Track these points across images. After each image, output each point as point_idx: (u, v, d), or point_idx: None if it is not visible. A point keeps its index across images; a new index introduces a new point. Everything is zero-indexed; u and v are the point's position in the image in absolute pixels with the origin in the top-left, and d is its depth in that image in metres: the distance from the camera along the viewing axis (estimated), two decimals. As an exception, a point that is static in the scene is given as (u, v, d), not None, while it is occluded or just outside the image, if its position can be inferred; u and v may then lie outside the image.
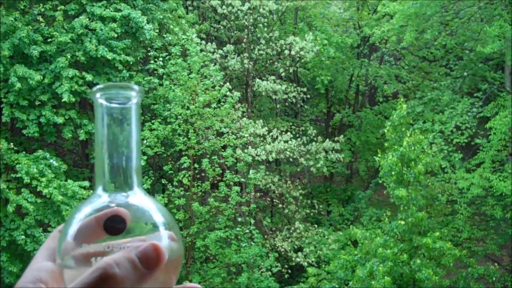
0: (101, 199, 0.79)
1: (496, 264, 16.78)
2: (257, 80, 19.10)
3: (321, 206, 20.52)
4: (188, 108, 15.25)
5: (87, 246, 0.75)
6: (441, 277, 12.78)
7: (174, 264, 0.77)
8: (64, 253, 0.75)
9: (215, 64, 16.89)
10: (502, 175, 15.92)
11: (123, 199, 0.79)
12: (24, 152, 14.23)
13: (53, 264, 0.78)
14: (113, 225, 0.76)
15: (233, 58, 18.92)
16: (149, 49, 16.32)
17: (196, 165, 15.27)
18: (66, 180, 13.92)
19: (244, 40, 19.84)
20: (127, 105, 0.80)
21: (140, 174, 0.82)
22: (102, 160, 0.79)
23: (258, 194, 18.59)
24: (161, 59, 15.62)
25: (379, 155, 13.70)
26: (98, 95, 0.79)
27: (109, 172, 0.79)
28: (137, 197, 0.80)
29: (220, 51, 18.34)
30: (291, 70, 20.61)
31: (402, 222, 12.26)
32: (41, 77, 13.85)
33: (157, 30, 16.09)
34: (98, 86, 0.79)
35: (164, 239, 0.77)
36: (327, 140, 19.19)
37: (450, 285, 14.02)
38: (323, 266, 15.75)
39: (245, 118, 17.39)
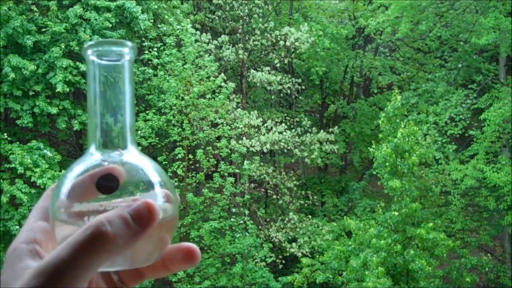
0: (94, 157, 0.78)
1: (489, 254, 16.90)
2: (252, 71, 19.07)
3: (315, 197, 20.55)
4: (182, 99, 15.23)
5: (80, 205, 0.74)
6: (434, 268, 12.85)
7: (169, 224, 0.77)
8: (57, 211, 0.74)
9: (209, 55, 16.85)
10: (495, 166, 15.98)
11: (117, 157, 0.78)
12: (18, 143, 14.20)
13: (47, 223, 0.77)
14: (106, 183, 0.74)
15: (228, 48, 18.87)
16: (143, 39, 16.26)
17: (190, 156, 15.27)
18: (60, 171, 13.91)
19: (239, 30, 19.78)
20: (119, 62, 0.78)
21: (134, 132, 0.81)
22: (95, 118, 0.78)
23: (252, 185, 18.60)
24: (155, 49, 15.57)
25: (373, 146, 13.73)
26: (89, 51, 0.77)
27: (101, 130, 0.78)
28: (132, 156, 0.79)
29: (215, 42, 18.29)
30: (286, 61, 20.57)
31: (396, 213, 12.31)
32: (35, 67, 13.80)
33: (152, 20, 16.03)
34: (89, 43, 0.77)
35: (159, 198, 0.76)
36: (322, 131, 19.18)
37: (443, 275, 14.09)
38: (317, 256, 15.81)
39: (239, 109, 17.37)
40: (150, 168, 0.78)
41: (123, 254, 0.72)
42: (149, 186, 0.77)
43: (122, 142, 0.79)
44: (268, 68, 19.41)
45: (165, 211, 0.75)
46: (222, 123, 15.86)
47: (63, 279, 0.65)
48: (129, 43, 0.78)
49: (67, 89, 14.06)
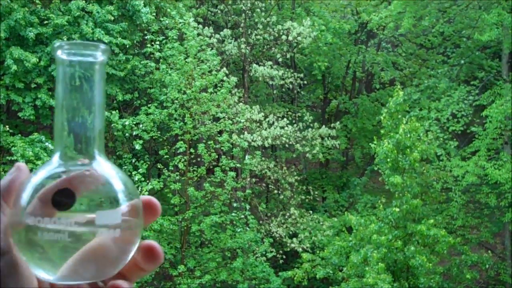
0: (57, 167, 0.75)
1: (489, 251, 16.89)
2: (254, 65, 19.03)
3: (316, 193, 20.56)
4: (184, 93, 15.22)
5: (34, 219, 0.72)
6: (434, 264, 12.86)
7: (130, 237, 0.76)
8: (16, 221, 0.73)
9: (212, 49, 16.81)
10: (497, 163, 15.97)
11: (81, 168, 0.75)
12: (19, 135, 14.19)
13: None
14: (61, 199, 0.72)
15: (230, 42, 18.84)
16: (145, 32, 16.22)
17: (192, 150, 15.26)
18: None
19: (241, 24, 19.74)
20: (91, 63, 0.76)
21: (103, 140, 0.78)
22: (61, 123, 0.75)
23: (253, 179, 18.61)
24: (157, 42, 15.54)
25: (375, 142, 13.70)
26: (59, 52, 0.75)
27: (68, 137, 0.75)
28: (98, 166, 0.76)
29: (217, 36, 18.25)
30: (288, 56, 20.53)
31: (397, 209, 12.30)
32: (37, 60, 13.78)
33: (154, 14, 15.99)
34: (61, 43, 0.75)
35: (117, 215, 0.74)
36: (323, 126, 19.19)
37: (443, 272, 14.10)
38: (318, 252, 15.82)
39: (241, 104, 17.35)
40: (114, 182, 0.76)
41: (86, 267, 0.73)
42: (110, 201, 0.75)
43: (89, 150, 0.76)
44: (270, 62, 19.38)
45: (120, 228, 0.74)
46: (223, 117, 15.85)
47: None
48: (102, 46, 0.76)
49: (69, 82, 14.02)
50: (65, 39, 14.02)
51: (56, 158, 0.76)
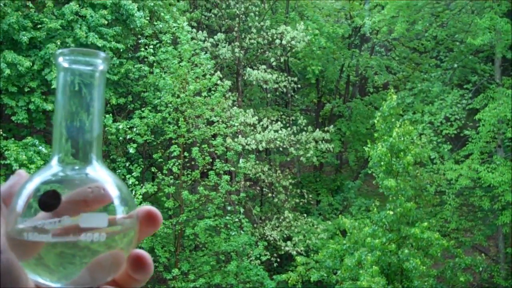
0: (53, 171, 0.76)
1: (483, 254, 16.94)
2: (248, 69, 19.06)
3: (310, 196, 20.56)
4: (178, 97, 15.22)
5: (22, 220, 0.73)
6: (428, 267, 12.88)
7: (116, 246, 0.76)
8: (13, 225, 0.73)
9: (206, 53, 16.83)
10: (490, 166, 16.03)
11: (76, 172, 0.76)
12: (13, 139, 14.16)
13: None
14: (47, 200, 0.73)
15: (224, 46, 18.86)
16: (139, 36, 16.23)
17: (186, 154, 15.25)
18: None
19: (235, 28, 19.77)
20: (91, 71, 0.77)
21: (100, 146, 0.79)
22: (60, 129, 0.76)
23: (247, 183, 18.62)
24: (151, 46, 15.54)
25: (368, 146, 13.74)
26: (61, 59, 0.76)
27: (66, 142, 0.76)
28: (93, 172, 0.77)
29: (211, 40, 18.27)
30: (282, 60, 20.57)
31: (391, 212, 12.32)
32: (31, 64, 13.75)
33: (148, 18, 16.00)
34: (62, 50, 0.76)
35: (103, 220, 0.74)
36: (317, 130, 19.20)
37: (437, 275, 14.13)
38: (312, 255, 15.83)
39: (235, 107, 17.36)
40: (108, 187, 0.77)
41: (83, 272, 0.73)
42: (103, 206, 0.76)
43: (87, 155, 0.77)
44: (264, 66, 19.40)
45: (114, 227, 0.74)
46: (217, 121, 15.86)
47: None
48: (102, 54, 0.78)
49: (63, 86, 13.99)
50: (58, 43, 14.01)
51: (54, 162, 0.77)
